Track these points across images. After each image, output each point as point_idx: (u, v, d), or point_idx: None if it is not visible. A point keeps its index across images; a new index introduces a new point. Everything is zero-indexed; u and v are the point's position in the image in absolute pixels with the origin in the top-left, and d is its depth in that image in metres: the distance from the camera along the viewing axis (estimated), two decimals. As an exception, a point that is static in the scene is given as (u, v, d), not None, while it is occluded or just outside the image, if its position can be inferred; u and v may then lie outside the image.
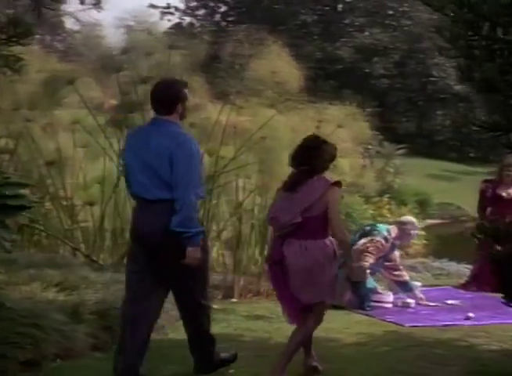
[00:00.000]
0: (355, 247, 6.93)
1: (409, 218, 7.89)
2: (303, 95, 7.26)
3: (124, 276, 4.30)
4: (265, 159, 6.77)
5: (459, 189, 24.38)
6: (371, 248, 7.11)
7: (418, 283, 7.86)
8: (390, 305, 7.28)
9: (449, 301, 7.62)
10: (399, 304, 7.32)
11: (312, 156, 4.34)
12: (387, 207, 15.83)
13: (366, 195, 13.46)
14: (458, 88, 33.08)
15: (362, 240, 7.14)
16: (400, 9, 34.80)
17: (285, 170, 6.99)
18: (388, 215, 14.76)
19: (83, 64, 7.12)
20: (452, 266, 10.59)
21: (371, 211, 14.34)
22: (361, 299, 7.05)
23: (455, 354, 5.35)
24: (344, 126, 7.28)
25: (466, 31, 3.21)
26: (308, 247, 4.24)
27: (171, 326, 5.56)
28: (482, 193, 8.89)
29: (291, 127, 7.26)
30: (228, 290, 7.25)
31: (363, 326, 6.23)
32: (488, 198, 8.77)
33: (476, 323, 6.50)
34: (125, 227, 7.34)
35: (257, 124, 7.08)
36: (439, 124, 32.49)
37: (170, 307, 5.53)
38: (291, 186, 4.36)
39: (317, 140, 4.50)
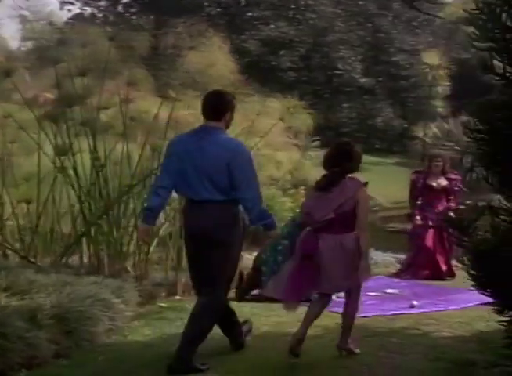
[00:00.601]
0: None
1: None
2: (247, 88, 7.18)
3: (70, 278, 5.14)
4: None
5: (368, 180, 24.93)
6: None
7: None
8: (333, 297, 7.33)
9: (388, 291, 7.75)
10: (341, 295, 7.37)
11: (345, 159, 4.80)
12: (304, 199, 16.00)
13: (283, 187, 13.53)
14: (363, 81, 33.93)
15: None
16: (303, 3, 35.21)
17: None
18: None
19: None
20: (379, 256, 10.81)
21: (289, 204, 14.48)
22: None
23: (411, 342, 5.43)
24: (286, 119, 7.26)
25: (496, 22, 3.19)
26: (341, 241, 4.77)
27: (128, 327, 5.39)
28: (413, 183, 9.13)
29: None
30: (171, 287, 7.09)
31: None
32: (419, 188, 9.02)
33: (422, 310, 6.65)
34: (63, 225, 7.07)
35: (199, 117, 6.93)
36: (345, 117, 33.15)
37: (124, 307, 5.37)
38: (325, 186, 4.81)
39: (349, 145, 4.99)
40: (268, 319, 6.13)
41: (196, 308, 4.58)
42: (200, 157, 4.38)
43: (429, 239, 8.84)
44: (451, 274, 8.82)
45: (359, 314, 6.39)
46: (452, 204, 8.92)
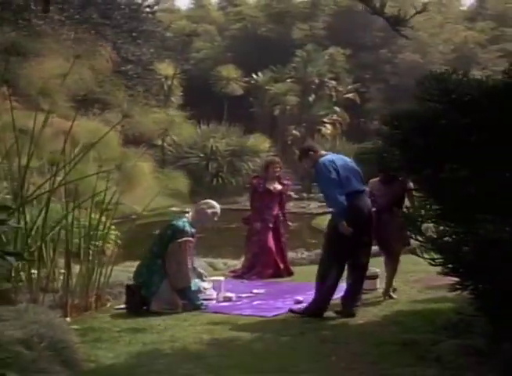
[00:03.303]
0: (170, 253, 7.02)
1: (206, 200, 7.67)
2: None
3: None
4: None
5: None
6: (185, 251, 7.07)
7: (222, 278, 8.20)
8: (214, 302, 7.51)
9: (255, 291, 8.10)
10: (221, 299, 7.59)
11: None
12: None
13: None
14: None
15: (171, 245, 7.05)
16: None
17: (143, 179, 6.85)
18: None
19: None
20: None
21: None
22: (192, 301, 7.12)
23: (343, 333, 5.87)
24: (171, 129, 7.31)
25: None
26: (391, 217, 6.75)
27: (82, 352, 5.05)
28: (255, 187, 9.66)
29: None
30: (60, 310, 6.70)
31: (232, 322, 6.37)
32: (260, 192, 9.57)
33: (310, 305, 7.16)
34: None
35: (87, 127, 6.72)
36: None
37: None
38: (388, 181, 7.09)
39: None
40: (193, 327, 6.16)
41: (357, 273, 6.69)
42: (348, 166, 6.67)
43: (270, 240, 9.43)
44: (289, 272, 9.51)
45: (267, 313, 6.77)
46: (285, 209, 9.73)
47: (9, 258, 3.26)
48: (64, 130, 6.60)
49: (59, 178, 6.79)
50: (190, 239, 7.16)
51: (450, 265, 4.83)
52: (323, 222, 19.93)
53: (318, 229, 18.99)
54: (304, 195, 26.13)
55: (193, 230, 7.22)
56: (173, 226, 7.24)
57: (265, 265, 9.37)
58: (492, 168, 5.26)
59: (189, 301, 7.07)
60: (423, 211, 5.18)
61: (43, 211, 6.66)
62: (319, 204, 26.12)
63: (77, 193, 7.11)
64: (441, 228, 5.06)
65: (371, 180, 7.26)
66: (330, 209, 6.77)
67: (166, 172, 7.60)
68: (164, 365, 4.81)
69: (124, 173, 6.51)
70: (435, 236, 4.89)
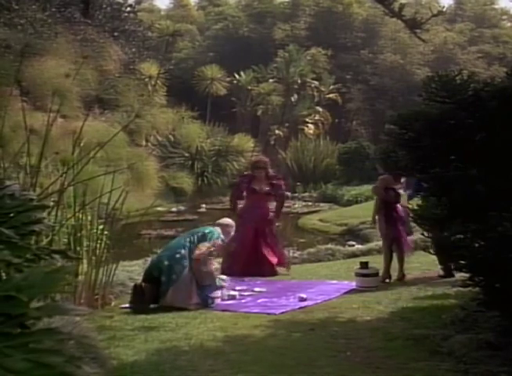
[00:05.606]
0: (199, 252, 7.14)
1: (228, 220, 8.11)
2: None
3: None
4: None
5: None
6: (215, 252, 7.37)
7: (224, 276, 8.29)
8: (219, 300, 7.59)
9: (256, 289, 8.22)
10: (225, 297, 7.68)
11: None
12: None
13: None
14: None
15: (206, 244, 7.26)
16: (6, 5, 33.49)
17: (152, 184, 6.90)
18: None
19: None
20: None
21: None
22: (204, 299, 7.23)
23: (351, 329, 5.99)
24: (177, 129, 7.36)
25: None
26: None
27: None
28: (237, 186, 9.79)
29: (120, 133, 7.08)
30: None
31: (242, 320, 6.47)
32: (242, 191, 9.70)
33: (314, 302, 7.24)
34: None
35: (97, 128, 6.77)
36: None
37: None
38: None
39: None
40: (204, 325, 6.23)
41: None
42: None
43: (246, 239, 9.39)
44: (283, 264, 9.58)
45: (274, 311, 6.87)
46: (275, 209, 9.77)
47: (55, 256, 3.30)
48: (73, 130, 6.63)
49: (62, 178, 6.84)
50: (220, 242, 7.50)
51: (462, 262, 4.97)
52: (309, 221, 20.24)
53: (304, 229, 19.09)
54: (288, 194, 26.18)
55: (224, 238, 7.62)
56: (211, 229, 7.62)
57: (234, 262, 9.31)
58: (500, 168, 5.42)
59: (201, 297, 7.20)
60: (435, 210, 5.33)
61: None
62: (304, 203, 26.23)
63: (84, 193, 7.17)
64: (452, 225, 5.20)
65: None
66: None
67: (171, 172, 7.65)
68: (185, 361, 4.89)
69: (135, 173, 6.56)
70: (447, 234, 5.02)
